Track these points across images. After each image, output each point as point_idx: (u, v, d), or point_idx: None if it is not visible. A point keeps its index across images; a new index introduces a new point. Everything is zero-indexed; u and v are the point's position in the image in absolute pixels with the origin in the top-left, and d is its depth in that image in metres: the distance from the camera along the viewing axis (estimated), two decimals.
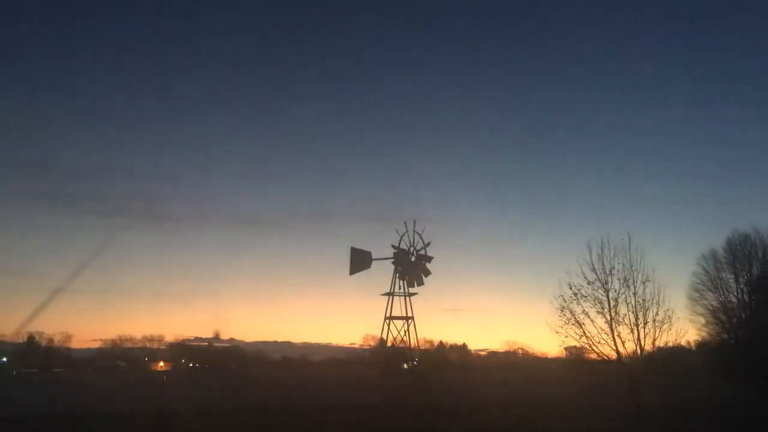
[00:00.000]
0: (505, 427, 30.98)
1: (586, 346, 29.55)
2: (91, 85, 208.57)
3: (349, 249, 25.56)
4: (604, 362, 30.29)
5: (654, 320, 27.84)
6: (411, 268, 25.27)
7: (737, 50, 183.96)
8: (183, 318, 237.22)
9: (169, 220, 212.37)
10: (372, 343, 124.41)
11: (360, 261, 25.54)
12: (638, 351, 28.23)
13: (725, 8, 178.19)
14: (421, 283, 25.17)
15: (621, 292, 28.27)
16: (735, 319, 69.23)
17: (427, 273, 25.29)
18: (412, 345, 24.28)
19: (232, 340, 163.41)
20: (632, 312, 28.07)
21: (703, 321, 70.09)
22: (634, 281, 28.33)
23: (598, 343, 28.65)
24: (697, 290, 69.65)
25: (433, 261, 25.71)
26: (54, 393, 56.31)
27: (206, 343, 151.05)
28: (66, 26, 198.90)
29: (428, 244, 24.94)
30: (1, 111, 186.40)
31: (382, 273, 25.60)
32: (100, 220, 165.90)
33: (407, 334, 24.15)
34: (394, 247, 24.99)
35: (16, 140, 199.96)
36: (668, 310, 28.13)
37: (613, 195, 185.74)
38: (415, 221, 24.63)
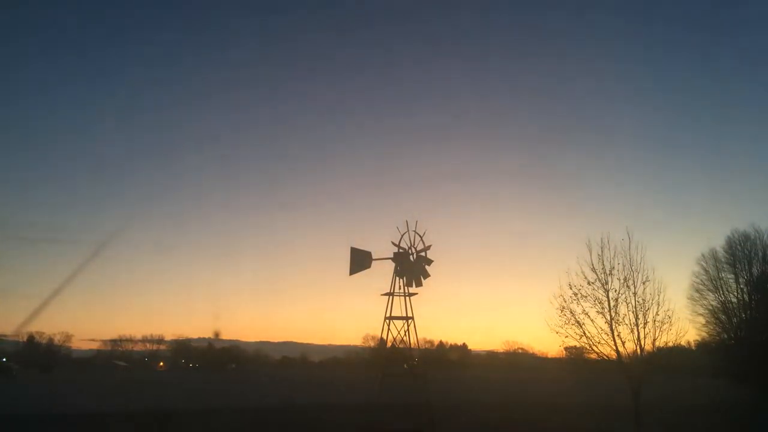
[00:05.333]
0: (505, 426, 31.02)
1: (586, 346, 29.43)
2: None
3: (349, 249, 25.58)
4: (604, 362, 30.20)
5: (654, 320, 27.71)
6: (411, 267, 25.23)
7: (737, 49, 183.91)
8: (183, 318, 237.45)
9: (170, 220, 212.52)
10: (372, 343, 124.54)
11: (360, 261, 25.43)
12: (638, 351, 28.16)
13: (726, 11, 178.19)
14: (419, 284, 25.23)
15: (621, 292, 28.15)
16: (735, 319, 69.18)
17: (426, 275, 25.34)
18: (412, 345, 24.34)
19: (232, 340, 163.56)
20: (632, 312, 27.97)
21: (703, 321, 69.99)
22: (634, 281, 28.20)
23: (598, 343, 28.56)
24: (697, 290, 69.54)
25: (433, 262, 26.01)
26: (55, 393, 56.32)
27: (206, 344, 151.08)
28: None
29: (429, 247, 25.13)
30: None
31: (382, 273, 25.80)
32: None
33: (407, 334, 24.26)
34: (394, 244, 25.18)
35: None
36: (668, 310, 27.98)
37: (613, 195, 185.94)
38: (417, 222, 24.86)
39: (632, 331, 27.92)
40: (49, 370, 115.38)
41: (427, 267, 27.95)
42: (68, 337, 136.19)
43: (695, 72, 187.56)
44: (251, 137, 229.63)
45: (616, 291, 28.14)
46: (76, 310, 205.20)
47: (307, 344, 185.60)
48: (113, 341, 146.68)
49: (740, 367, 63.10)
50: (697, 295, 69.48)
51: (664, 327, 27.72)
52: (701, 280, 69.60)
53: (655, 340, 27.90)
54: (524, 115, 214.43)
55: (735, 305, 68.85)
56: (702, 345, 76.24)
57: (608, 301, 28.16)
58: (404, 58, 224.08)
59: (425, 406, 25.97)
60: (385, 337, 26.91)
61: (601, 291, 28.28)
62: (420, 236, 27.79)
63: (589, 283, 28.37)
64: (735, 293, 68.65)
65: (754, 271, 67.03)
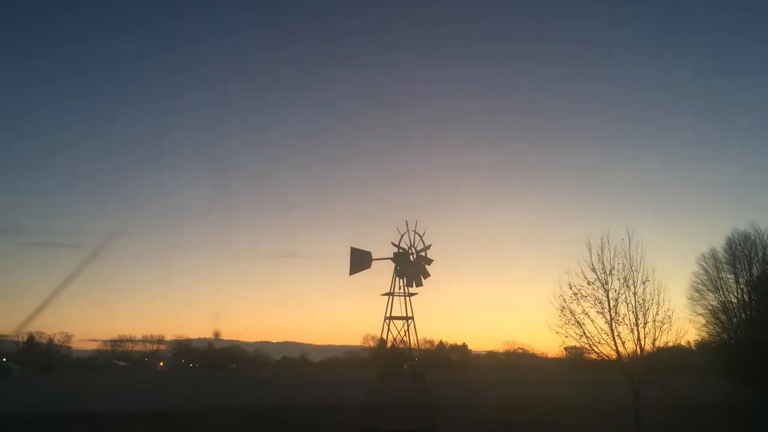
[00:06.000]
0: (505, 426, 31.00)
1: (586, 346, 29.43)
2: None
3: (349, 249, 25.54)
4: (604, 362, 30.20)
5: (654, 320, 27.71)
6: (411, 267, 25.16)
7: (737, 49, 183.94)
8: (183, 318, 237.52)
9: (170, 220, 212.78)
10: (372, 343, 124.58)
11: (360, 261, 25.38)
12: (638, 351, 28.15)
13: (726, 9, 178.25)
14: (420, 284, 25.19)
15: (621, 292, 28.15)
16: (735, 319, 69.21)
17: (426, 275, 25.34)
18: (412, 345, 24.29)
19: (232, 340, 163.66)
20: (632, 312, 27.96)
21: (703, 321, 70.09)
22: (634, 281, 28.19)
23: (598, 343, 28.55)
24: (697, 290, 69.66)
25: (433, 262, 25.97)
26: (56, 393, 56.31)
27: (206, 344, 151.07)
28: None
29: (429, 246, 25.09)
30: None
31: (382, 273, 25.76)
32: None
33: (407, 334, 24.20)
34: (394, 245, 25.11)
35: None
36: (668, 310, 27.99)
37: (613, 195, 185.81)
38: (417, 222, 24.80)
39: (632, 331, 27.92)
40: (48, 370, 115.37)
41: (427, 266, 27.88)
42: (68, 337, 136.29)
43: (696, 71, 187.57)
44: (251, 137, 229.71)
45: (616, 291, 28.16)
46: (76, 310, 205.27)
47: (307, 344, 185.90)
48: (113, 341, 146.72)
49: (740, 367, 63.14)
50: (697, 295, 69.56)
51: (664, 327, 27.73)
52: (701, 280, 69.70)
53: (655, 340, 27.90)
54: (524, 116, 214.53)
55: (735, 305, 68.89)
56: (702, 345, 76.31)
57: (608, 301, 28.16)
58: (404, 55, 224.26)
59: (425, 407, 25.95)
60: (385, 337, 26.90)
61: (601, 291, 28.29)
62: (420, 236, 27.74)
63: (589, 283, 28.39)
64: (735, 293, 68.72)
65: (754, 271, 67.10)
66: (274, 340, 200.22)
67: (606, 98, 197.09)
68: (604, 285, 28.29)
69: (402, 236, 27.54)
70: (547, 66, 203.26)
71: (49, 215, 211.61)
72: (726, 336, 70.35)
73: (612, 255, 28.44)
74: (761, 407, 41.46)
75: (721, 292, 69.03)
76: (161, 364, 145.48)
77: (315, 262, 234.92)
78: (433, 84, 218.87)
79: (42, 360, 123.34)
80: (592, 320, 28.38)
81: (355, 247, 27.79)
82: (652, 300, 27.82)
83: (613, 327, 28.08)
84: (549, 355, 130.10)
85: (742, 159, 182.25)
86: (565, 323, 28.51)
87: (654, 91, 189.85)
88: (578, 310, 28.46)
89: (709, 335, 72.16)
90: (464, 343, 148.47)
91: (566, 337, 28.87)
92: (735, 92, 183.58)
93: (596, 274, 28.40)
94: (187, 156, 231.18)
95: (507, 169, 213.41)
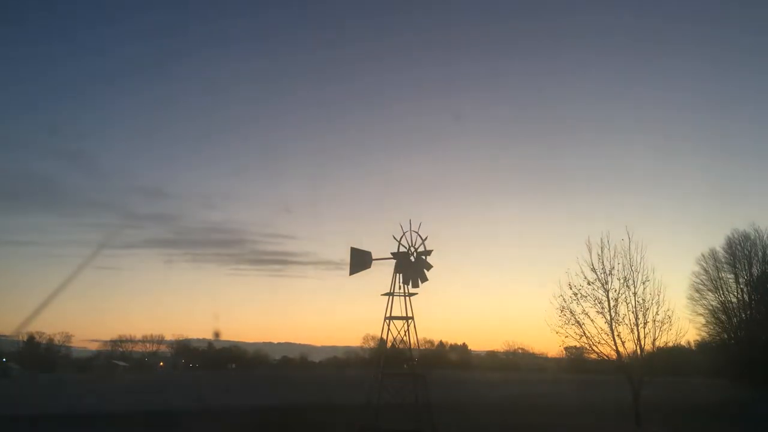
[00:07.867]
0: (505, 426, 30.99)
1: (586, 346, 29.52)
2: None
3: (349, 249, 25.65)
4: (604, 362, 30.26)
5: (654, 320, 27.80)
6: (412, 267, 25.16)
7: (737, 48, 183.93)
8: (183, 318, 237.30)
9: (170, 217, 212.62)
10: (372, 343, 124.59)
11: (360, 261, 25.38)
12: (638, 351, 28.22)
13: (727, 8, 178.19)
14: (425, 279, 25.10)
15: (621, 292, 28.25)
16: (735, 319, 69.31)
17: (429, 267, 25.30)
18: (412, 345, 24.29)
19: (232, 340, 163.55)
20: (632, 312, 28.04)
21: (703, 321, 70.26)
22: (634, 281, 28.30)
23: (598, 343, 28.64)
24: (697, 290, 69.82)
25: (433, 260, 25.98)
26: (56, 393, 56.33)
27: (206, 344, 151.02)
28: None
29: (426, 238, 25.08)
30: None
31: (382, 273, 25.77)
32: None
33: (407, 334, 24.18)
34: (393, 254, 25.06)
35: None
36: (668, 310, 28.10)
37: (613, 195, 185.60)
38: (410, 220, 24.73)
39: (632, 331, 28.01)
40: (48, 370, 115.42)
41: (428, 258, 27.67)
42: (68, 337, 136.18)
43: (696, 70, 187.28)
44: (251, 135, 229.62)
45: (616, 291, 28.25)
46: (76, 310, 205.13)
47: (307, 345, 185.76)
48: (113, 341, 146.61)
49: (740, 367, 63.24)
50: (697, 295, 69.73)
51: (664, 327, 27.83)
52: (701, 280, 69.87)
53: (655, 340, 28.01)
54: (524, 115, 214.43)
55: (735, 305, 69.03)
56: (702, 345, 76.42)
57: (608, 301, 28.24)
58: (404, 55, 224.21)
59: (425, 407, 25.94)
60: (385, 337, 26.86)
61: (601, 291, 28.37)
62: (416, 232, 27.62)
63: (589, 283, 28.47)
64: (735, 293, 68.89)
65: (754, 271, 67.22)
66: (274, 341, 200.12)
67: (606, 97, 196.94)
68: (604, 285, 28.38)
69: (400, 239, 27.44)
70: (546, 66, 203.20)
71: (49, 215, 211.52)
72: (726, 336, 70.42)
73: (612, 255, 28.56)
74: (761, 407, 41.46)
75: (721, 292, 69.15)
76: (161, 364, 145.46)
77: (315, 262, 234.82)
78: (432, 83, 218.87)
79: (42, 360, 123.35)
80: (592, 320, 28.49)
81: (355, 247, 27.73)
82: (652, 300, 27.94)
83: (613, 327, 28.16)
84: (549, 355, 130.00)
85: (742, 159, 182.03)
86: (565, 323, 28.63)
87: (653, 90, 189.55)
88: (578, 310, 28.57)
89: (709, 335, 72.29)
90: (464, 343, 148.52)
91: (566, 337, 28.99)
92: (735, 90, 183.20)
93: (596, 274, 28.51)
94: (188, 155, 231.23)
95: (507, 169, 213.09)
